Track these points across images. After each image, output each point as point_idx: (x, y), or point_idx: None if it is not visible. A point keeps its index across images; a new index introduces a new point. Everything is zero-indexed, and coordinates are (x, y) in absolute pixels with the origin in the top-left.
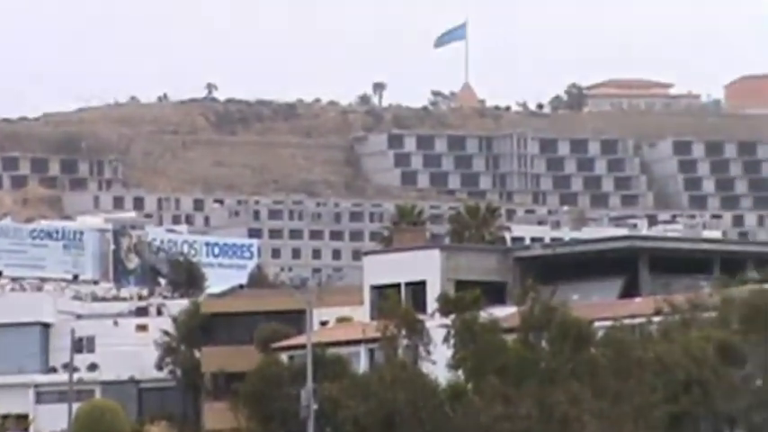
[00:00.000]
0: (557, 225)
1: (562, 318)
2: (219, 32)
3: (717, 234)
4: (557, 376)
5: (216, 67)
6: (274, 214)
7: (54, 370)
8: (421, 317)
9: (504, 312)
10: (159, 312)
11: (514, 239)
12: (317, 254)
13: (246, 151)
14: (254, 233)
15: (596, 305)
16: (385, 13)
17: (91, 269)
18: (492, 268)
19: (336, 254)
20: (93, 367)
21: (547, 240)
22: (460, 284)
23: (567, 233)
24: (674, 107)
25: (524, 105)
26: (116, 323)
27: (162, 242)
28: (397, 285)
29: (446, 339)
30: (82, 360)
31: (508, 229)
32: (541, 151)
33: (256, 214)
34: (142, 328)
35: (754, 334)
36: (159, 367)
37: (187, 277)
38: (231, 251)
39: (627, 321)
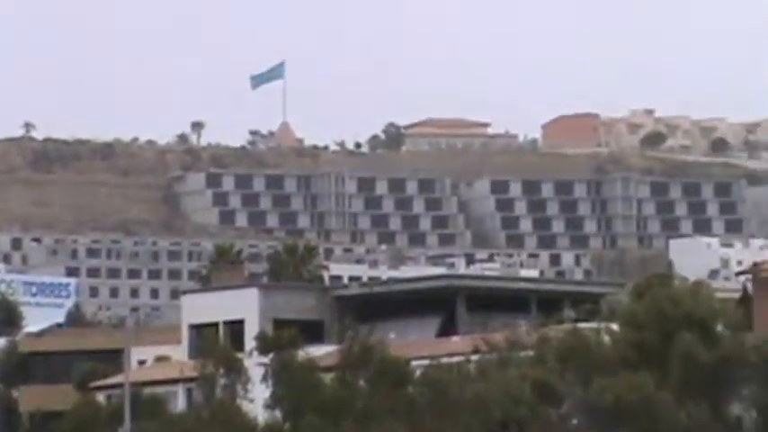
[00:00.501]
0: (375, 264)
1: (380, 356)
2: (37, 71)
3: (534, 273)
4: (374, 415)
5: (33, 106)
6: (92, 253)
7: None
8: (239, 355)
9: (322, 351)
10: None
11: (332, 278)
12: (135, 293)
13: (64, 190)
14: (72, 272)
15: (414, 344)
16: (203, 53)
17: None
18: (310, 307)
19: (154, 293)
20: None
21: (365, 279)
22: (279, 323)
23: (384, 272)
24: (492, 146)
25: (342, 144)
26: None
27: None
28: (216, 324)
29: (264, 378)
30: None
31: (326, 267)
32: (359, 190)
33: (74, 253)
34: None
35: (570, 373)
36: None
37: (4, 316)
38: (49, 290)
39: (444, 360)
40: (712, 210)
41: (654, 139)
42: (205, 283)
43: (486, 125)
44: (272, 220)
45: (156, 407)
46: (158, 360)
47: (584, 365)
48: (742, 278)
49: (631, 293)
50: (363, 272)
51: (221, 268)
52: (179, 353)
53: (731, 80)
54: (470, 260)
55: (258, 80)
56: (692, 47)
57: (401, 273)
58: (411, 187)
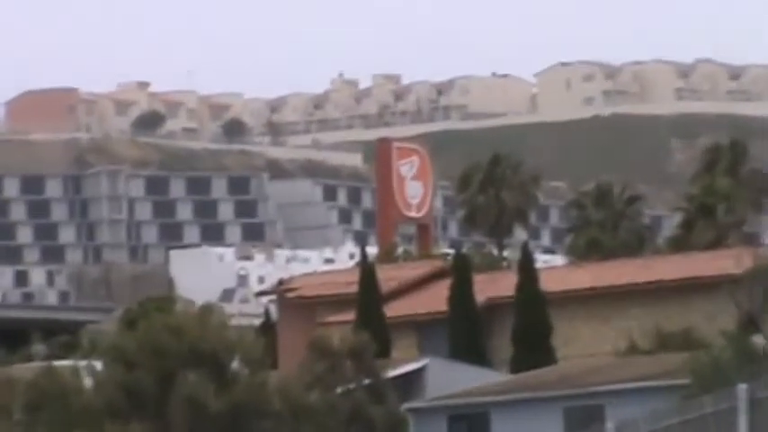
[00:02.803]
0: None
1: None
2: None
3: None
4: None
5: None
6: None
7: None
8: None
9: None
10: None
11: None
12: None
13: None
14: None
15: None
16: None
17: None
18: None
19: None
20: None
21: None
22: None
23: None
24: None
25: None
26: None
27: None
28: None
29: None
30: None
31: None
32: None
33: None
34: None
35: (42, 426)
36: None
37: None
38: None
39: None
40: (226, 211)
41: (150, 122)
42: None
43: None
44: None
45: None
46: None
47: (59, 415)
48: (264, 300)
49: (121, 322)
50: None
51: None
52: None
53: (250, 52)
54: None
55: None
56: (203, 13)
57: None
58: None
